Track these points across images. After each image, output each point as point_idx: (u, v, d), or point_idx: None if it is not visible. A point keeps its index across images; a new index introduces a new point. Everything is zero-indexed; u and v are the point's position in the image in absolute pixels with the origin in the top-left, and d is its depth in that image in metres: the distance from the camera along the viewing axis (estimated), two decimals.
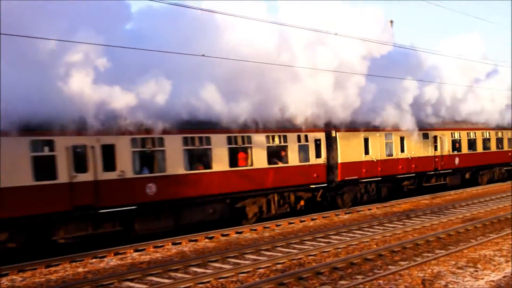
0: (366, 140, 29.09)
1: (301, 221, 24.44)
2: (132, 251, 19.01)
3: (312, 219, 24.94)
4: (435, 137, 33.94)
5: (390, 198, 30.80)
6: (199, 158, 22.32)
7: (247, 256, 17.85)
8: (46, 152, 17.96)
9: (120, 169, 19.55)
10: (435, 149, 33.89)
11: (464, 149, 36.72)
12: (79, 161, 18.63)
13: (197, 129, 21.78)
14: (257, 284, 13.82)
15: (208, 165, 22.28)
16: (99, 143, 19.02)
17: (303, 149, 25.86)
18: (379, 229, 22.09)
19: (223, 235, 21.59)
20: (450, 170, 35.27)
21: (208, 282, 14.55)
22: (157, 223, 20.78)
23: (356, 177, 28.44)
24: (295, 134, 25.43)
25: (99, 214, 19.01)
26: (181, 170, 21.28)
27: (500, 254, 16.56)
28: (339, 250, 18.15)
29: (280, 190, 24.98)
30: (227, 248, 19.08)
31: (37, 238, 18.13)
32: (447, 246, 18.25)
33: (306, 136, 25.84)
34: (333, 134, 27.14)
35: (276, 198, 24.88)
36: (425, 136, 33.07)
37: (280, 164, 24.95)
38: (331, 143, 27.08)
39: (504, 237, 19.22)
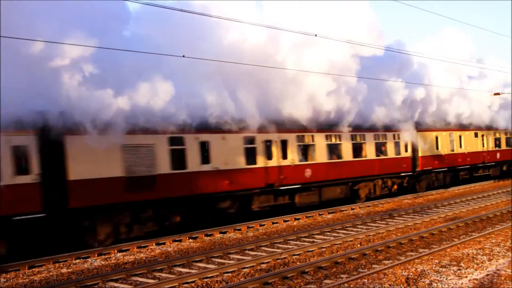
0: (436, 138, 36.48)
1: (285, 221, 24.52)
2: (116, 251, 18.94)
3: (296, 219, 25.02)
4: (482, 136, 41.21)
5: (453, 184, 38.59)
6: (333, 150, 29.10)
7: (231, 256, 17.85)
8: (251, 145, 24.77)
9: (291, 158, 26.47)
10: (483, 145, 41.29)
11: (503, 146, 44.25)
12: (268, 151, 25.52)
13: (331, 129, 28.70)
14: (241, 284, 13.81)
15: (339, 156, 29.31)
16: (279, 139, 25.97)
17: (396, 145, 33.12)
18: (362, 228, 22.20)
19: (207, 235, 21.57)
20: (494, 163, 42.94)
21: (193, 282, 14.53)
22: (308, 198, 27.60)
23: (431, 167, 35.91)
24: (392, 133, 32.73)
25: (280, 190, 25.92)
26: (325, 159, 28.31)
27: (483, 253, 16.71)
28: (323, 249, 18.20)
29: (382, 176, 32.23)
30: (211, 248, 19.07)
31: (243, 207, 24.70)
32: (430, 245, 18.38)
33: (398, 135, 33.12)
34: (416, 133, 34.08)
35: (379, 182, 32.09)
36: (476, 135, 40.49)
37: (382, 156, 32.15)
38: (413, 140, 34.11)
39: (486, 236, 19.40)
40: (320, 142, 28.07)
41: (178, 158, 21.95)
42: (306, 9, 24.89)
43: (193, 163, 22.34)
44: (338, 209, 27.59)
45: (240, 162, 24.31)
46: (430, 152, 35.60)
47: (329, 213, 26.73)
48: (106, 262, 17.47)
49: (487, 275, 14.20)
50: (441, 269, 14.90)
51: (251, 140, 24.69)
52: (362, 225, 22.91)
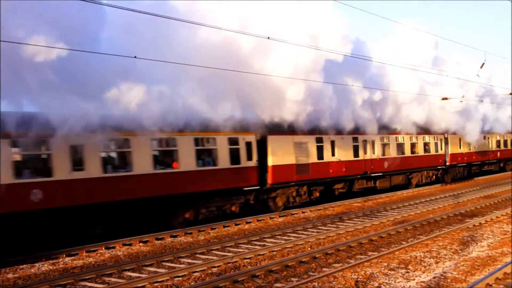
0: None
1: (236, 224, 24.44)
2: (64, 255, 18.55)
3: (247, 222, 25.00)
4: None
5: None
6: (400, 148, 37.95)
7: (182, 260, 17.73)
8: (356, 143, 33.48)
9: (377, 153, 35.30)
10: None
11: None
12: (364, 147, 34.13)
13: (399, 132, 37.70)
14: None
15: (403, 152, 38.28)
16: (371, 139, 34.69)
17: (435, 145, 42.41)
18: (313, 232, 22.36)
19: (157, 239, 21.34)
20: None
21: (143, 286, 14.39)
22: (384, 183, 36.53)
23: (456, 162, 44.82)
24: (433, 136, 42.00)
25: (370, 176, 34.92)
26: (395, 155, 37.16)
27: (430, 256, 17.05)
28: (274, 253, 18.26)
29: (427, 169, 41.57)
30: (162, 252, 18.91)
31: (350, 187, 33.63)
32: (380, 248, 18.65)
33: (437, 137, 42.60)
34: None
35: (425, 173, 41.49)
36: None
37: (426, 153, 41.40)
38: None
39: (433, 238, 19.80)
40: (392, 141, 37.17)
41: (321, 152, 30.38)
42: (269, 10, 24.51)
43: (327, 155, 30.92)
44: (289, 212, 27.70)
45: (351, 155, 32.56)
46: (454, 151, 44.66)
47: (280, 216, 26.80)
48: (54, 267, 17.08)
49: (434, 277, 14.50)
50: (389, 272, 15.13)
51: (356, 139, 33.32)
52: (313, 229, 23.07)
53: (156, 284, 14.52)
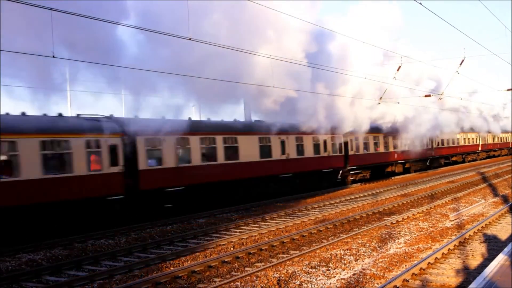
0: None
1: (158, 226, 24.16)
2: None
3: (169, 224, 24.76)
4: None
5: None
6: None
7: (103, 262, 17.40)
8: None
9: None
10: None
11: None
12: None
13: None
14: None
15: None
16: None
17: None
18: (236, 231, 22.41)
19: (78, 243, 20.85)
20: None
21: None
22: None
23: None
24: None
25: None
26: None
27: (350, 253, 17.39)
28: (197, 253, 18.17)
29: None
30: (82, 255, 18.47)
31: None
32: (301, 246, 18.88)
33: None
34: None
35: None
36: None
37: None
38: None
39: (353, 236, 20.22)
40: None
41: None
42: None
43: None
44: (212, 213, 27.63)
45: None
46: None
47: (203, 217, 26.70)
48: None
49: (353, 274, 14.80)
50: (311, 270, 15.34)
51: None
52: (235, 229, 23.12)
53: None
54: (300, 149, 35.80)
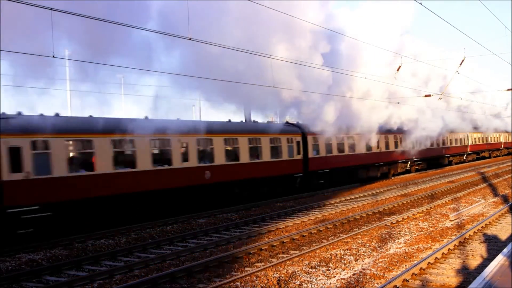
0: None
1: (159, 226, 24.18)
2: None
3: (170, 224, 24.77)
4: None
5: None
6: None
7: (103, 262, 17.41)
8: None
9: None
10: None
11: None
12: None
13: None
14: None
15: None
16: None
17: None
18: (236, 232, 22.42)
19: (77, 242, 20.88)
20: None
21: None
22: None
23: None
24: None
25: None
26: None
27: (350, 253, 17.39)
28: (197, 254, 18.18)
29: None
30: (82, 255, 18.49)
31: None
32: (301, 246, 18.88)
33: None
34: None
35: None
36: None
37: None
38: None
39: (353, 236, 20.23)
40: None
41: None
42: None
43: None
44: (212, 213, 27.65)
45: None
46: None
47: (203, 217, 26.71)
48: None
49: (353, 274, 14.80)
50: (311, 269, 15.35)
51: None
52: (235, 229, 23.13)
53: None
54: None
